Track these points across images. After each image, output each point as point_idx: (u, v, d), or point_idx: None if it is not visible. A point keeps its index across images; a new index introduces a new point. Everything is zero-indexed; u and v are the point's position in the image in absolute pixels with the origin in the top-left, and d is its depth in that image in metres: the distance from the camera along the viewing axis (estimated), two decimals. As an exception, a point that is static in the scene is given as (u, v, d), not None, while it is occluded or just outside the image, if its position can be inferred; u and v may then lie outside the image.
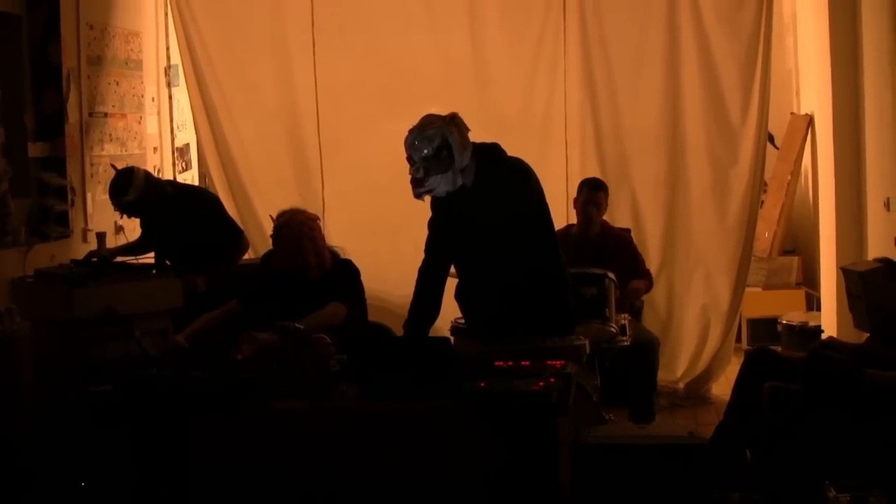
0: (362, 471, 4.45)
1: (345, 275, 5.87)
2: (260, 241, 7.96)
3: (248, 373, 4.91)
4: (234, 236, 7.43)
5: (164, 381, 4.82)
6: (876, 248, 7.29)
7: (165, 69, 8.80)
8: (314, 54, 8.22)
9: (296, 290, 5.72)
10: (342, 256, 5.98)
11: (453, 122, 5.26)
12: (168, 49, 8.76)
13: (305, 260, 5.76)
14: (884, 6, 6.99)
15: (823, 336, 7.38)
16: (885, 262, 6.03)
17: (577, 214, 7.33)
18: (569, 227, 7.40)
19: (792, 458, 5.15)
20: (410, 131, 5.26)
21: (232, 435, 4.54)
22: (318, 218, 5.95)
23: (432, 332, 5.67)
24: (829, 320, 8.02)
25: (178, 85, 8.80)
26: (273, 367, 4.97)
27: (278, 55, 8.32)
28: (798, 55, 9.98)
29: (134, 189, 6.91)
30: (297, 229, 5.79)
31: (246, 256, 7.55)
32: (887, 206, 7.07)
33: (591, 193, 7.29)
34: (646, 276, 7.38)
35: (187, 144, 9.13)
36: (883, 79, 7.11)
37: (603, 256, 6.93)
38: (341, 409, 4.63)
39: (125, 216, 7.38)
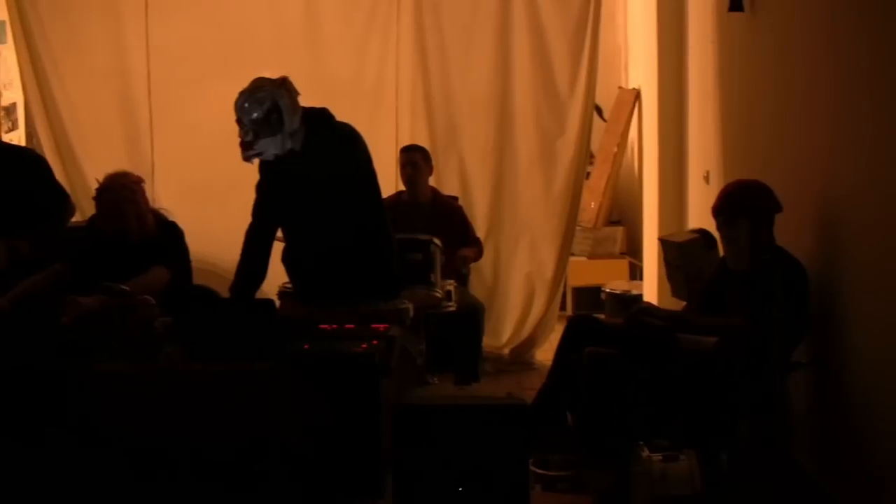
0: (186, 431, 4.47)
1: (169, 238, 5.85)
2: (88, 204, 7.79)
3: (73, 336, 4.88)
4: (61, 199, 7.31)
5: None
6: (695, 220, 7.49)
7: (-9, 26, 8.60)
8: (146, 15, 8.05)
9: (119, 254, 5.68)
10: (168, 219, 5.95)
11: (284, 86, 5.27)
12: (-6, 5, 8.55)
13: (127, 224, 5.73)
14: (708, -14, 7.19)
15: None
16: (701, 233, 6.20)
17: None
18: (400, 193, 7.45)
19: (609, 420, 5.30)
20: (241, 94, 5.26)
21: (56, 397, 4.51)
22: (141, 181, 5.90)
23: (261, 297, 5.68)
24: (651, 289, 8.23)
25: (4, 42, 8.59)
26: (98, 330, 4.95)
27: (109, 16, 8.13)
28: (627, 31, 10.18)
29: (-45, 151, 6.76)
30: (118, 193, 5.75)
31: (74, 219, 7.44)
32: (707, 179, 7.26)
33: (406, 155, 7.38)
34: (475, 243, 7.48)
35: (14, 104, 8.92)
36: (706, 57, 7.30)
37: (434, 224, 6.98)
38: (165, 371, 4.63)
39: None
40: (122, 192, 5.76)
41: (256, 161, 5.39)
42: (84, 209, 7.64)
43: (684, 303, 6.16)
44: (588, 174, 8.97)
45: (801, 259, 5.07)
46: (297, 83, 5.35)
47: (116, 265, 5.61)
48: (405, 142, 7.71)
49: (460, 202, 7.73)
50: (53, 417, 4.50)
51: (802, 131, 5.35)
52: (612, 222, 9.87)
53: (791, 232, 5.25)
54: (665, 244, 6.42)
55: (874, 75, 4.45)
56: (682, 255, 6.19)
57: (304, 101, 5.39)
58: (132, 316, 4.91)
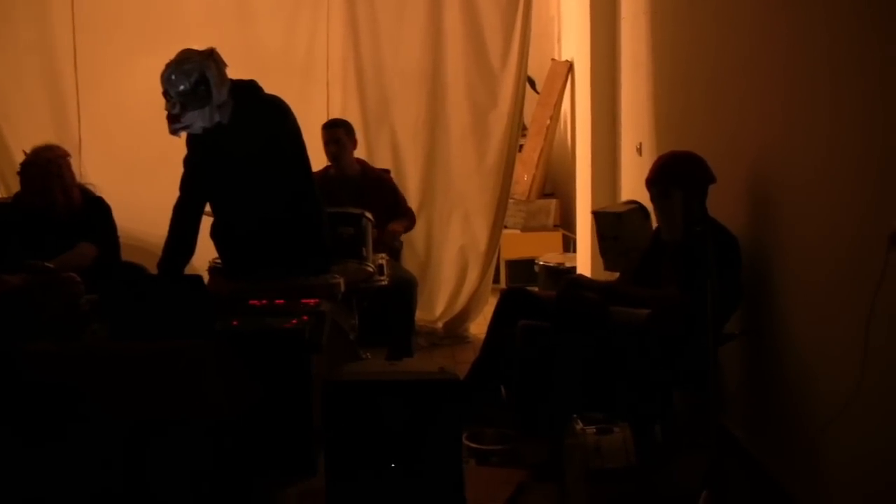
0: (114, 410, 4.41)
1: (95, 213, 5.77)
2: (13, 179, 7.68)
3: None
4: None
5: None
6: (628, 192, 7.50)
7: (-88, -2, 8.41)
8: (72, -13, 7.95)
9: (45, 229, 5.60)
10: (94, 194, 5.86)
11: (212, 58, 5.19)
12: (-86, -24, 8.36)
13: (52, 198, 5.65)
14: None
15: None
16: (637, 204, 6.19)
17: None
18: (327, 168, 7.37)
19: (543, 393, 5.29)
20: (168, 66, 5.16)
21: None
22: (68, 155, 5.82)
23: (190, 272, 5.61)
24: (584, 261, 8.24)
25: (-75, 15, 8.42)
26: (21, 309, 4.86)
27: (34, -13, 8.01)
28: (560, 3, 10.16)
29: None
30: (44, 167, 5.67)
31: (-2, 196, 7.33)
32: (639, 151, 7.27)
33: (328, 132, 7.29)
34: (407, 214, 7.43)
35: (-64, 78, 8.76)
36: (638, 29, 7.29)
37: (362, 197, 6.94)
38: (92, 349, 4.56)
39: None
40: (47, 166, 5.69)
41: (184, 135, 5.31)
42: (9, 184, 7.51)
43: (615, 274, 6.15)
44: (521, 147, 8.96)
45: (734, 230, 5.07)
46: (227, 56, 5.27)
47: (42, 241, 5.54)
48: (337, 115, 7.63)
49: (392, 175, 7.67)
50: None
51: (737, 103, 5.34)
52: (545, 195, 9.89)
53: (725, 203, 5.25)
54: (601, 216, 6.35)
55: (813, 48, 4.44)
56: (621, 225, 6.15)
57: (234, 74, 5.31)
58: (56, 294, 4.82)
